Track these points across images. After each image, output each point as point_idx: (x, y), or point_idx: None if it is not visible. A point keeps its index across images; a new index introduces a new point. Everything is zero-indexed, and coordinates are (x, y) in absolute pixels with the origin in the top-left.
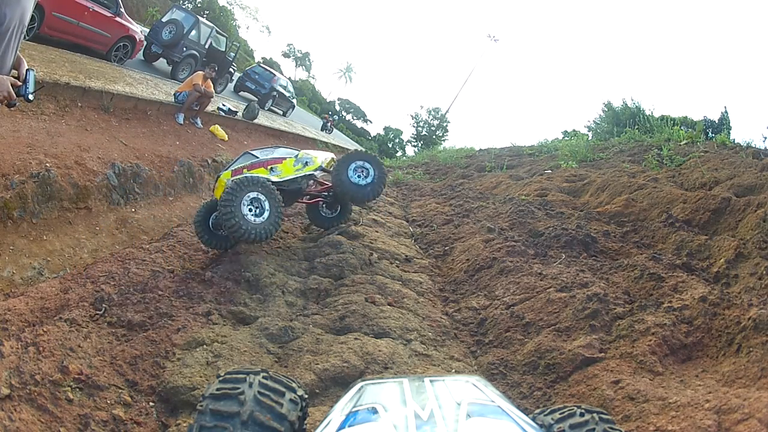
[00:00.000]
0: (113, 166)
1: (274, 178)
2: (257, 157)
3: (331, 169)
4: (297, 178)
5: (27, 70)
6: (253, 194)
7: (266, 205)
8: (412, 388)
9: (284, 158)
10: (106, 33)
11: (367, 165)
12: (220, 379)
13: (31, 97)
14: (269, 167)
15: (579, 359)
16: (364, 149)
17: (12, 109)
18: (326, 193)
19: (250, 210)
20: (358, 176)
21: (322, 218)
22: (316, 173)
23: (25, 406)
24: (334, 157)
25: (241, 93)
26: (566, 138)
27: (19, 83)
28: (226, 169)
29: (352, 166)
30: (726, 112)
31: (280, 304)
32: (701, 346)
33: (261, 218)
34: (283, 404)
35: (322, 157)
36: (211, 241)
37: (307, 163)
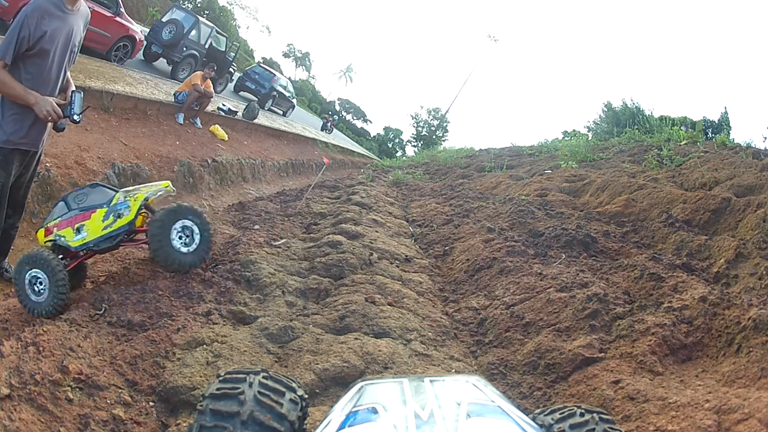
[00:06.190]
0: (113, 166)
1: (76, 244)
2: (70, 209)
3: (152, 215)
4: (109, 236)
5: (73, 92)
6: (35, 272)
7: (46, 285)
8: (412, 388)
9: (94, 210)
10: (106, 33)
11: (194, 226)
12: (220, 379)
13: (77, 117)
14: (76, 226)
15: (579, 359)
16: (189, 205)
17: (60, 132)
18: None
19: (33, 288)
20: (181, 239)
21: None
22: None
23: (25, 406)
24: (169, 187)
25: (241, 93)
26: (566, 138)
27: (64, 103)
28: (50, 219)
29: (177, 225)
30: (726, 112)
31: (280, 304)
32: (701, 346)
33: (41, 297)
34: (283, 404)
35: (148, 192)
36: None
37: (120, 215)
